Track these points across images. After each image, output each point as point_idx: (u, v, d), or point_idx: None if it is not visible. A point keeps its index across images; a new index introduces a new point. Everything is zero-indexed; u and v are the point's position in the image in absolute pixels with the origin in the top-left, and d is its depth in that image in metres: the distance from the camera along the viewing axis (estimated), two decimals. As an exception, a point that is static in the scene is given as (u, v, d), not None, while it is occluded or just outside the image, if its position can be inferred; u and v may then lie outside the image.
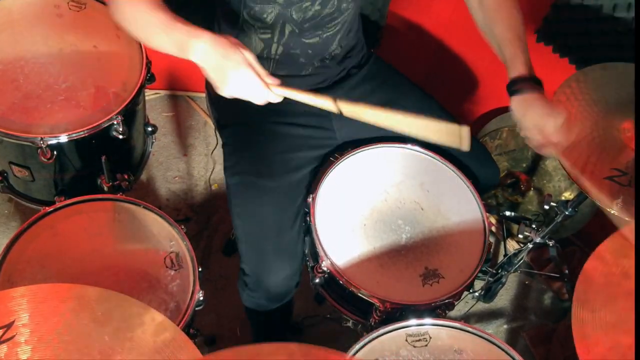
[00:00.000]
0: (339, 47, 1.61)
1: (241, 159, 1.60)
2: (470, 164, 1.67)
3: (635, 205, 1.46)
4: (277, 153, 1.58)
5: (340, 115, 1.66)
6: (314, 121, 1.64)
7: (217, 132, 1.77)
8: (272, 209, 1.53)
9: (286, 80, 1.62)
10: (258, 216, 1.52)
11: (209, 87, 1.78)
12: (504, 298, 2.28)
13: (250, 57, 1.24)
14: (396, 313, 1.48)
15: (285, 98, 1.59)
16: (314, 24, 1.50)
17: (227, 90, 1.26)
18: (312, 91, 1.32)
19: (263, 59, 1.58)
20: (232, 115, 1.68)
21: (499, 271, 2.08)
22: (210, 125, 2.49)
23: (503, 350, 1.35)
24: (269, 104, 1.61)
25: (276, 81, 1.29)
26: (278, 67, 1.60)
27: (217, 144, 2.45)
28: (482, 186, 1.69)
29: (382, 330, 1.36)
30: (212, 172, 2.40)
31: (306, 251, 1.61)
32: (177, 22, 1.24)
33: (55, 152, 1.53)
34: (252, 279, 1.54)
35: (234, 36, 1.53)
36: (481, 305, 2.23)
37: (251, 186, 1.55)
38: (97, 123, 1.52)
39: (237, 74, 1.23)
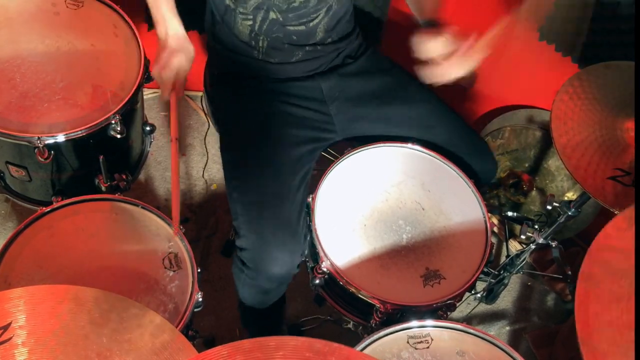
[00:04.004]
0: (328, 37, 1.61)
1: (237, 135, 1.60)
2: (468, 156, 1.66)
3: (636, 205, 1.46)
4: (275, 128, 1.57)
5: (335, 102, 1.66)
6: (310, 104, 1.64)
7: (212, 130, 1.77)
8: (272, 179, 1.50)
9: (278, 68, 1.62)
10: (257, 186, 1.50)
11: (208, 86, 1.77)
12: (506, 299, 2.27)
13: (183, 66, 1.56)
14: (397, 314, 1.47)
15: (285, 79, 1.63)
16: (299, 14, 1.51)
17: (155, 71, 1.56)
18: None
19: (251, 47, 1.59)
20: (227, 97, 1.68)
21: (501, 272, 2.07)
22: (210, 124, 2.48)
23: (505, 352, 1.34)
24: (267, 86, 1.62)
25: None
26: (267, 54, 1.59)
27: (218, 144, 2.45)
28: (480, 179, 1.67)
29: (383, 332, 1.34)
30: (211, 172, 2.39)
31: (306, 251, 1.59)
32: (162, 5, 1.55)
33: (52, 152, 1.52)
34: (250, 255, 1.48)
35: (221, 20, 1.57)
36: (483, 307, 2.22)
37: (250, 157, 1.54)
38: (94, 122, 1.51)
39: (166, 74, 1.55)
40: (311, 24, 1.54)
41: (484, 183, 1.73)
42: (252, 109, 1.62)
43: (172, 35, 1.55)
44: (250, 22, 1.52)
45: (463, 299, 1.69)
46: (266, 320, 1.76)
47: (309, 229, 1.52)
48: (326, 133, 1.66)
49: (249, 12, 1.50)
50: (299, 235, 1.50)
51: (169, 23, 1.54)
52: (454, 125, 1.70)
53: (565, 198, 2.13)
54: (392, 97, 1.68)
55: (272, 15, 1.50)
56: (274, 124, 1.58)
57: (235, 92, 1.66)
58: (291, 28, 1.53)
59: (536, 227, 1.95)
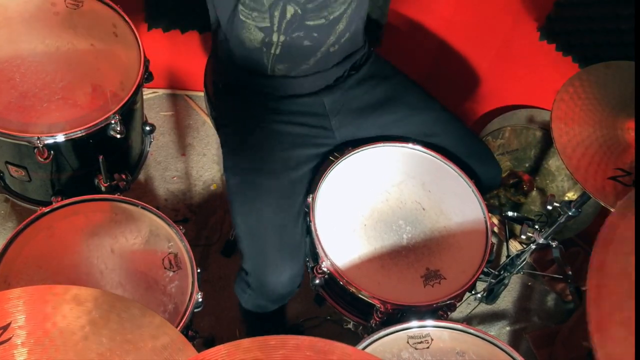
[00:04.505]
0: (348, 32, 1.58)
1: (241, 158, 1.59)
2: (472, 163, 1.66)
3: (636, 205, 1.45)
4: (277, 151, 1.57)
5: (337, 115, 1.66)
6: (312, 121, 1.63)
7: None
8: (274, 208, 1.51)
9: (283, 82, 1.61)
10: (260, 215, 1.51)
11: (208, 86, 1.77)
12: (506, 299, 2.27)
13: None
14: (397, 314, 1.47)
15: (289, 95, 1.57)
16: (319, 4, 1.47)
17: None
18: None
19: (262, 52, 1.56)
20: (230, 114, 1.67)
21: (502, 272, 2.07)
22: (209, 124, 2.48)
23: (506, 352, 1.34)
24: (270, 104, 1.59)
25: None
26: (277, 61, 1.58)
27: (218, 144, 2.44)
28: (484, 186, 1.67)
29: (383, 332, 1.34)
30: (211, 172, 2.39)
31: (306, 252, 1.59)
32: None
33: (52, 152, 1.51)
34: (254, 279, 1.52)
35: (231, 28, 1.52)
36: (483, 307, 2.22)
37: (252, 185, 1.54)
38: (94, 122, 1.50)
39: None
40: (332, 16, 1.51)
41: (488, 190, 1.73)
42: (255, 130, 1.62)
43: None
44: (267, 24, 1.49)
45: (463, 299, 1.68)
46: (268, 323, 1.77)
47: (309, 229, 1.52)
48: (326, 147, 1.66)
49: (264, 11, 1.47)
50: (300, 258, 1.53)
51: None
52: (458, 133, 1.69)
53: (566, 198, 2.13)
54: (395, 106, 1.67)
55: (290, 10, 1.46)
56: (277, 147, 1.58)
57: (238, 110, 1.66)
58: (311, 23, 1.50)
59: (536, 227, 1.95)
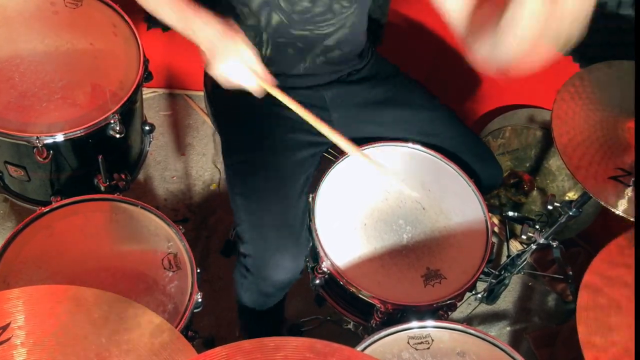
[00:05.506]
0: (338, 50, 1.59)
1: (240, 140, 1.59)
2: (473, 164, 1.66)
3: (636, 205, 1.45)
4: (277, 133, 1.57)
5: (338, 110, 1.65)
6: (312, 111, 1.62)
7: (214, 137, 1.76)
8: (275, 184, 1.50)
9: (282, 79, 1.61)
10: (261, 192, 1.49)
11: (208, 85, 1.76)
12: (507, 300, 2.26)
13: (246, 44, 1.36)
14: (397, 314, 1.46)
15: (288, 87, 1.59)
16: (304, 18, 1.48)
17: (217, 67, 1.37)
18: (302, 105, 1.41)
19: (256, 52, 1.56)
20: (230, 110, 1.67)
21: (502, 272, 2.06)
22: (209, 124, 2.48)
23: (506, 352, 1.33)
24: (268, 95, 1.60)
25: (268, 78, 1.39)
26: (268, 63, 1.58)
27: (218, 144, 2.44)
28: (485, 187, 1.67)
29: (383, 333, 1.34)
30: (210, 172, 2.39)
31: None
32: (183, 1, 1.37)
33: (51, 152, 1.51)
34: (253, 262, 1.48)
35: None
36: (484, 307, 2.22)
37: (252, 162, 1.53)
38: (93, 122, 1.50)
39: (230, 53, 1.35)
40: (316, 32, 1.51)
41: (489, 190, 1.73)
42: (253, 114, 1.61)
43: (210, 19, 1.36)
44: (255, 23, 1.49)
45: (464, 299, 1.68)
46: (266, 319, 1.76)
47: (309, 229, 1.51)
48: (326, 137, 1.65)
49: (254, 11, 1.47)
50: (301, 241, 1.50)
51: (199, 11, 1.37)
52: (459, 133, 1.69)
53: (566, 198, 2.13)
54: (397, 105, 1.67)
55: (275, 18, 1.47)
56: (276, 130, 1.58)
57: (236, 97, 1.66)
58: (296, 32, 1.51)
59: (537, 227, 1.95)
